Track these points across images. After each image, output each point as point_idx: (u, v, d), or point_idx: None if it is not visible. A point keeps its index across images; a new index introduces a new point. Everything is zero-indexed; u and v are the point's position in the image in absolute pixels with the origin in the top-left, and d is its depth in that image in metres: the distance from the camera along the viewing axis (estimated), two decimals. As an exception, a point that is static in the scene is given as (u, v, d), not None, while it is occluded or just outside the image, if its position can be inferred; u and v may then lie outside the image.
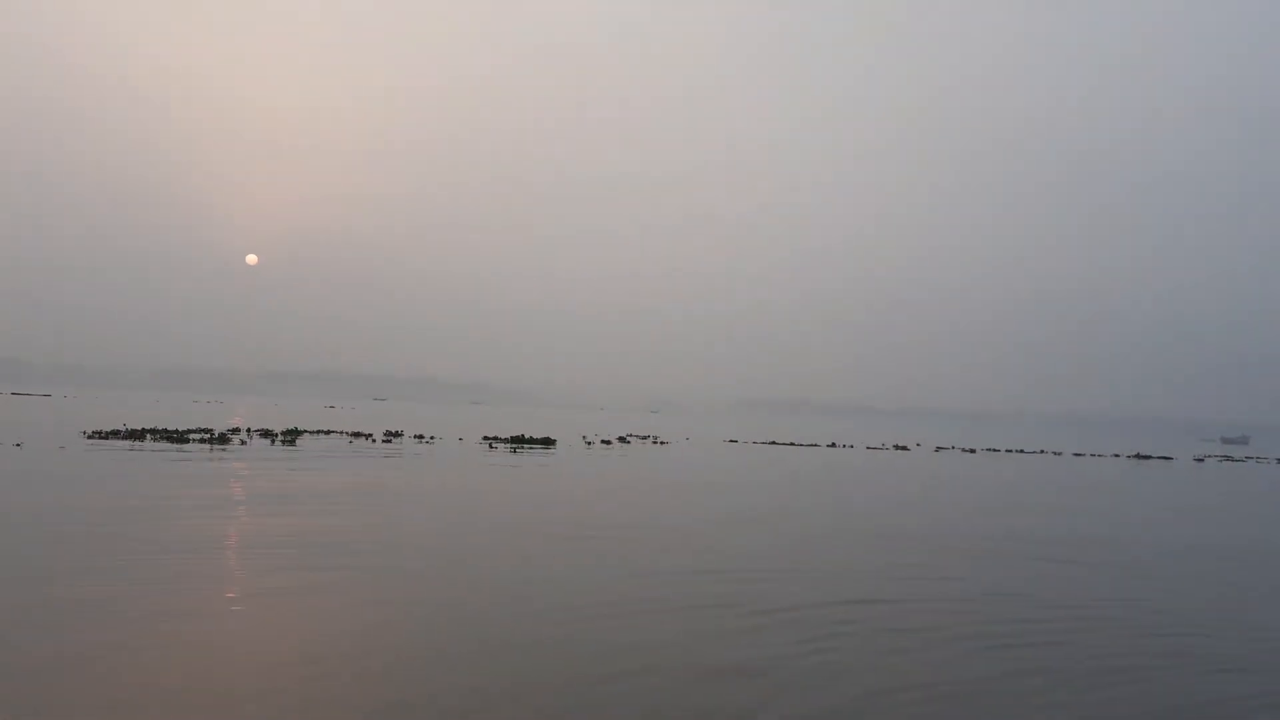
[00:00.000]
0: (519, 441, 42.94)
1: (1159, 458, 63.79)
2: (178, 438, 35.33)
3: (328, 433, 44.71)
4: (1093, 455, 62.42)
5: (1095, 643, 8.49)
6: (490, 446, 40.15)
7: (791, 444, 57.79)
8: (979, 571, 12.22)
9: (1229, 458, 70.05)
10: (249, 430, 42.27)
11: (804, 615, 9.03)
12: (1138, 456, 63.68)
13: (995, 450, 63.00)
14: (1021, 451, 63.28)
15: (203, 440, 35.11)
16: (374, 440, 40.87)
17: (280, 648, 7.09)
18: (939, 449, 59.39)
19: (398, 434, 44.48)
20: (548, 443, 43.23)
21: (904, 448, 59.93)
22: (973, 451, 59.68)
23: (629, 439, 52.77)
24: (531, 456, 34.27)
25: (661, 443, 52.67)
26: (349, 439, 40.83)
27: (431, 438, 44.35)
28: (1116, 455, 64.46)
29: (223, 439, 35.17)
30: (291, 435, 39.60)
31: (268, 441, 36.42)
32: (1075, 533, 17.35)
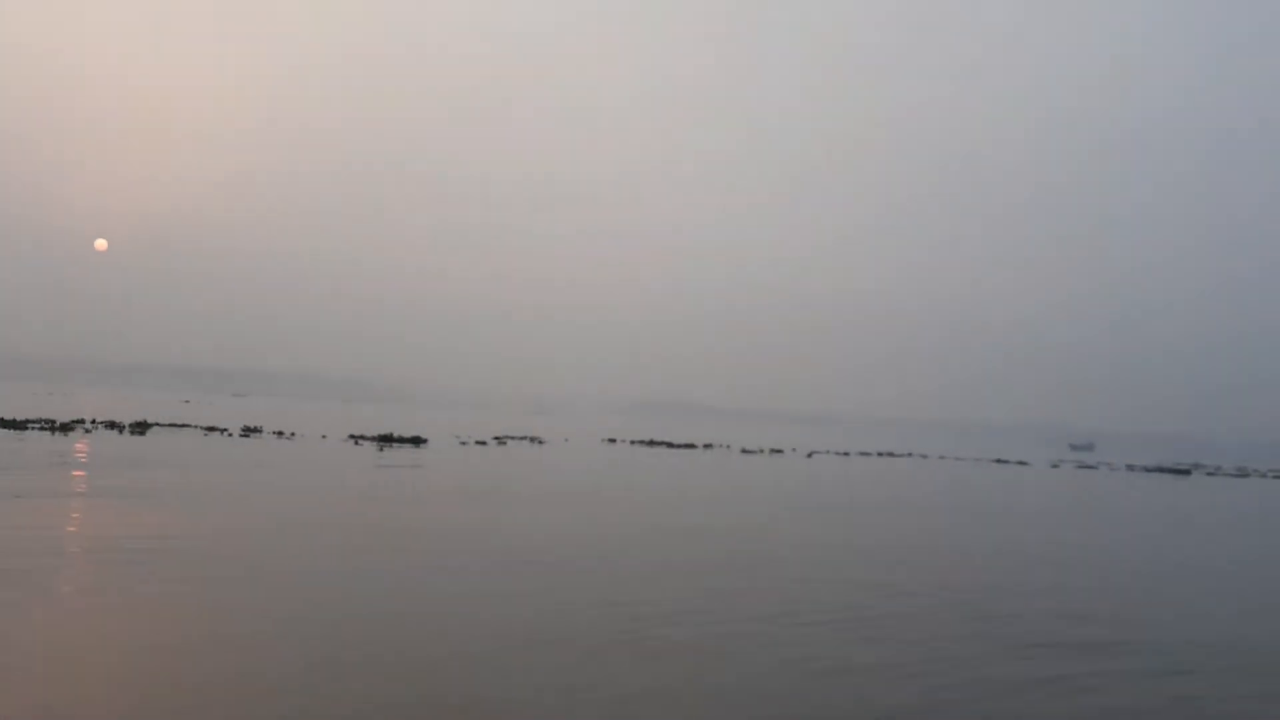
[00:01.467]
0: (387, 439, 42.07)
1: (1016, 463, 67.11)
2: (16, 426, 33.35)
3: (181, 426, 42.87)
4: (956, 459, 65.23)
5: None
6: (356, 444, 39.23)
7: (668, 444, 58.42)
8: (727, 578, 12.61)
9: (1083, 465, 74.20)
10: (93, 421, 40.12)
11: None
12: (997, 461, 66.85)
13: (867, 454, 65.08)
14: (891, 455, 65.58)
15: (44, 429, 33.21)
16: (230, 435, 39.41)
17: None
18: (812, 454, 61.01)
19: (256, 429, 42.97)
20: (418, 441, 42.50)
21: (779, 450, 61.34)
22: (845, 455, 61.54)
23: (505, 439, 52.39)
24: (397, 454, 33.66)
25: (539, 442, 52.48)
26: (204, 433, 39.25)
27: (292, 434, 43.02)
28: (977, 460, 67.51)
29: (65, 428, 33.37)
30: (141, 428, 37.80)
31: (115, 433, 34.68)
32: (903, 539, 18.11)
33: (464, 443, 45.81)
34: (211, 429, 41.57)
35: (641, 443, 59.13)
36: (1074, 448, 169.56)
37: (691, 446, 58.27)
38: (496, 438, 52.64)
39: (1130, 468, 70.51)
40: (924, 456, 65.58)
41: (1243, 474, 69.02)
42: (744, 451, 56.90)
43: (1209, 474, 65.15)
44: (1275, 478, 66.70)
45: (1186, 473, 64.62)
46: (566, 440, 57.65)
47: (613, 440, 60.30)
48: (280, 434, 42.21)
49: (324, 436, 43.47)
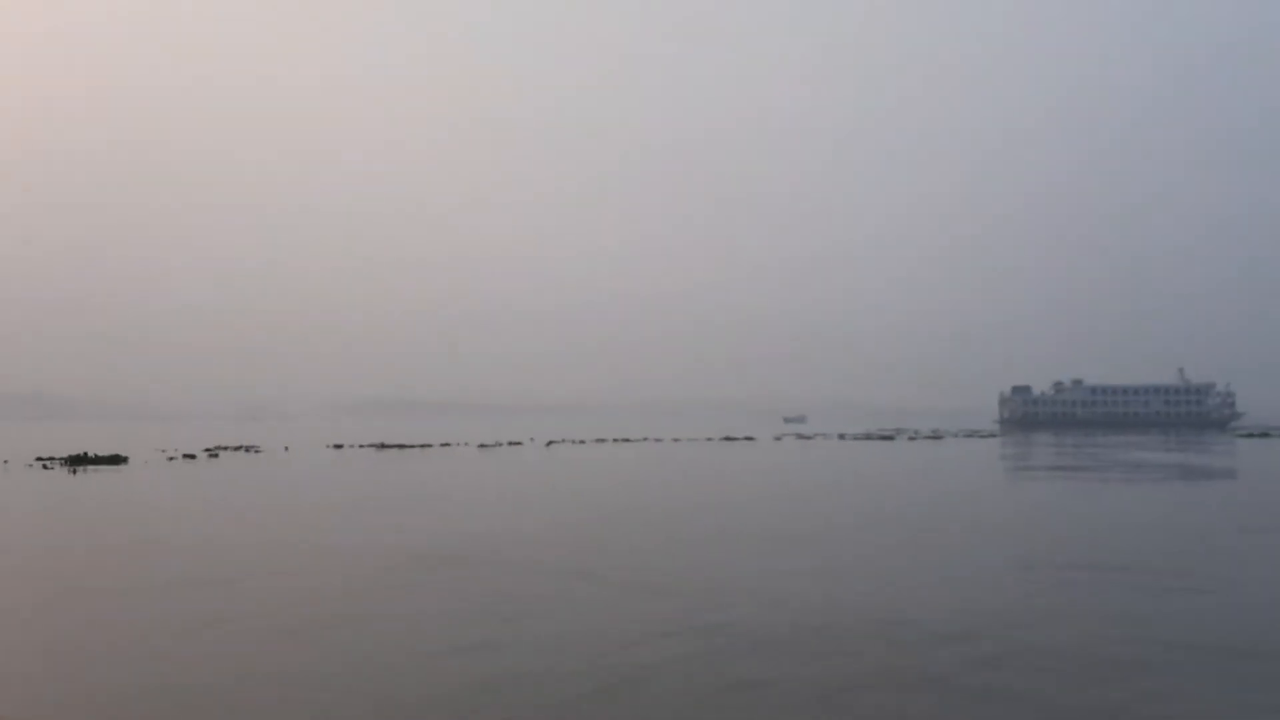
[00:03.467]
0: (80, 461, 38.18)
1: (743, 438, 71.45)
2: None
3: None
4: (689, 440, 68.47)
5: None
6: (45, 468, 35.37)
7: (401, 446, 57.02)
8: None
9: (802, 435, 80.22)
10: None
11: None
12: (726, 439, 70.87)
13: (603, 440, 66.81)
14: (628, 440, 67.76)
15: None
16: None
17: None
18: (550, 443, 61.83)
19: (-89, 461, 37.57)
20: (117, 460, 38.88)
21: (517, 443, 61.64)
22: (582, 443, 62.87)
23: (218, 451, 49.03)
24: (92, 478, 30.64)
25: (256, 451, 49.53)
26: None
27: (-41, 463, 37.99)
28: (709, 439, 71.23)
29: None
30: None
31: None
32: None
33: (171, 458, 42.44)
34: None
35: (372, 446, 57.32)
36: (788, 420, 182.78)
37: (427, 446, 57.24)
38: (208, 450, 49.16)
39: (842, 436, 77.16)
40: (659, 440, 68.27)
41: (937, 436, 77.67)
42: (481, 447, 56.67)
43: (910, 438, 72.53)
44: (965, 437, 75.55)
45: (891, 438, 71.66)
46: (287, 448, 54.78)
47: (339, 446, 58.00)
48: (-59, 465, 37.15)
49: (5, 462, 38.88)
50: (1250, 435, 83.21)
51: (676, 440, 68.11)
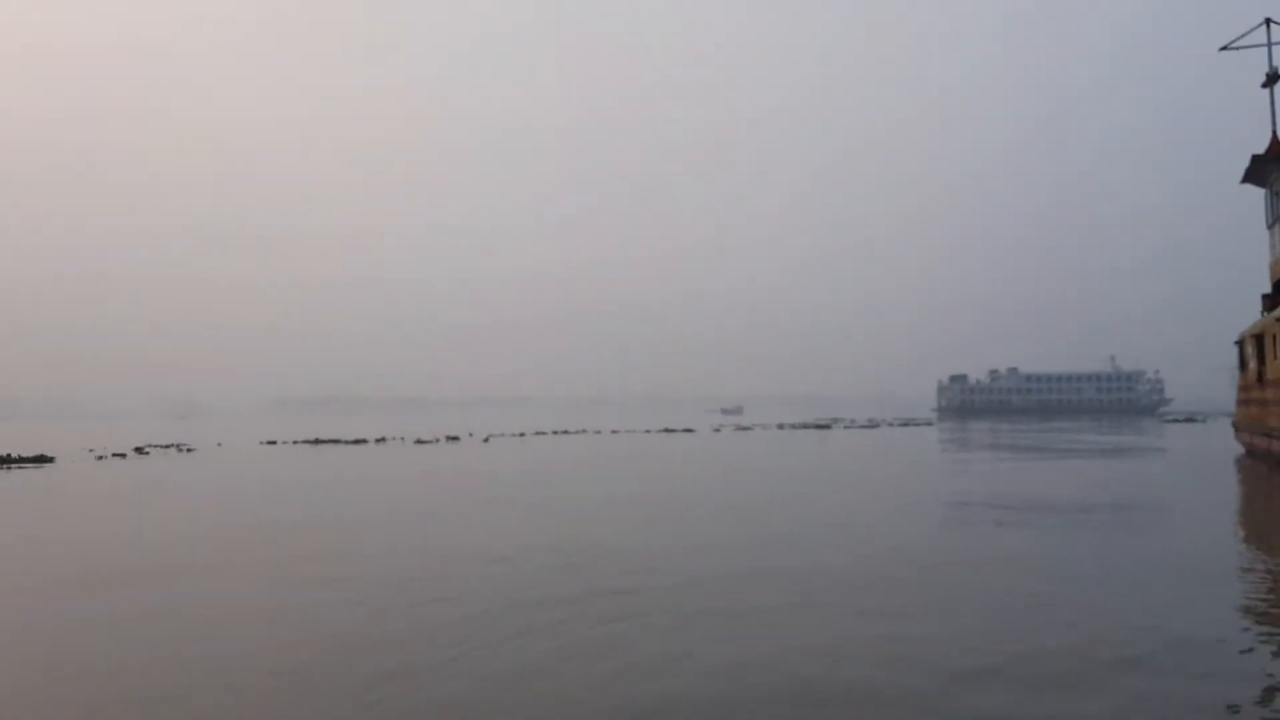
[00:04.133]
0: (2, 461, 37.57)
1: (683, 430, 72.32)
2: None
3: None
4: (628, 432, 69.09)
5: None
6: (-39, 469, 34.74)
7: (336, 441, 56.82)
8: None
9: (741, 426, 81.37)
10: None
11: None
12: (666, 430, 71.66)
13: (542, 433, 67.14)
14: (567, 433, 68.14)
15: None
16: None
17: None
18: (489, 437, 62.00)
19: None
20: (42, 460, 38.33)
21: (455, 438, 61.70)
22: (521, 436, 63.12)
23: (148, 449, 48.45)
24: (15, 477, 30.31)
25: (188, 450, 49.02)
26: None
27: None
28: (649, 431, 71.95)
29: None
30: None
31: None
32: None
33: (101, 458, 41.91)
34: None
35: (307, 442, 57.01)
36: (724, 412, 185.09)
37: (363, 442, 57.07)
38: (138, 449, 48.54)
39: (780, 426, 78.44)
40: (597, 432, 68.79)
41: (873, 425, 79.42)
42: (419, 442, 56.68)
43: (846, 427, 74.05)
44: (900, 426, 77.33)
45: (828, 427, 73.11)
46: (220, 445, 54.28)
47: (272, 442, 57.56)
48: None
49: (-84, 465, 38.06)
50: (1176, 420, 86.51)
51: (615, 432, 68.69)
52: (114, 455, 43.51)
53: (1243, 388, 34.99)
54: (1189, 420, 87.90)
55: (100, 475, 31.37)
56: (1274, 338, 28.33)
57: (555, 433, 68.13)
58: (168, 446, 51.64)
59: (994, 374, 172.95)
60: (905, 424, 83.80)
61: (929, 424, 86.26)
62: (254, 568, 12.53)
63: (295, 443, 56.42)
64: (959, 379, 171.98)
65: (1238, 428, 35.92)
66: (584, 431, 70.36)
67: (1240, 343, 35.03)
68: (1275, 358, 28.12)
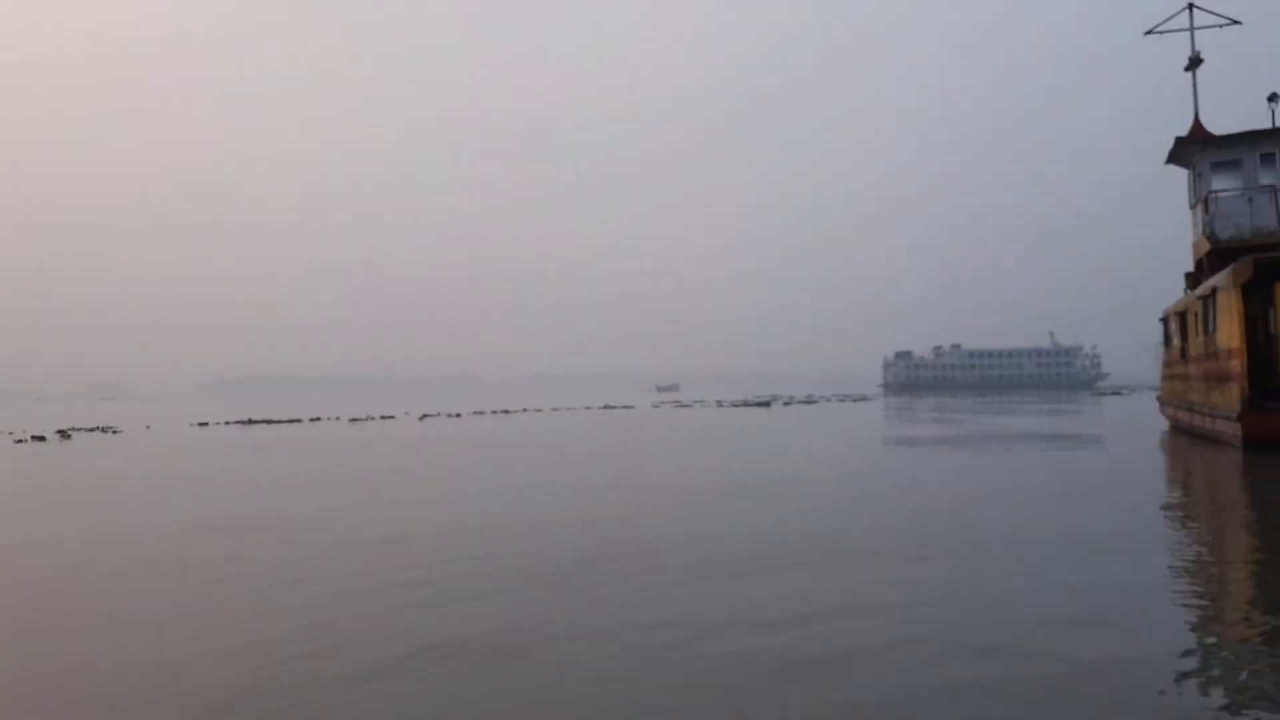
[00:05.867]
0: (-85, 445, 37.18)
1: (622, 407, 73.18)
2: None
3: None
4: (568, 409, 69.76)
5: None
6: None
7: (268, 421, 56.75)
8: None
9: (679, 403, 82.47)
10: None
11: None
12: (605, 407, 72.47)
13: (481, 412, 67.50)
14: (507, 411, 68.56)
15: None
16: None
17: None
18: (424, 416, 62.28)
19: None
20: (-42, 443, 37.99)
21: (391, 417, 61.92)
22: (458, 416, 63.43)
23: (70, 432, 48.07)
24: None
25: (114, 432, 48.70)
26: None
27: None
28: (588, 408, 72.68)
29: None
30: None
31: None
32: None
33: (20, 440, 41.56)
34: None
35: (239, 423, 56.86)
36: (661, 389, 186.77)
37: (297, 421, 57.08)
38: (61, 431, 48.12)
39: (719, 403, 79.68)
40: (539, 410, 69.33)
41: (811, 401, 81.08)
42: (353, 421, 56.82)
43: (785, 404, 75.46)
44: (838, 401, 79.08)
45: (767, 404, 74.46)
46: (149, 427, 53.94)
47: (204, 424, 57.30)
48: None
49: None
50: (1103, 394, 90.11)
51: (556, 410, 69.30)
52: (33, 438, 43.16)
53: (1167, 363, 36.61)
54: (1115, 394, 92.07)
55: (6, 460, 31.29)
56: (1196, 315, 29.75)
57: (494, 412, 68.55)
58: (93, 429, 51.23)
59: (938, 350, 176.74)
60: (842, 399, 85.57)
61: (864, 399, 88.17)
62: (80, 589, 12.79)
63: (228, 423, 56.25)
64: (904, 355, 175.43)
65: (1162, 402, 37.53)
66: (524, 410, 70.87)
67: (1165, 320, 36.57)
68: (1197, 334, 29.55)
